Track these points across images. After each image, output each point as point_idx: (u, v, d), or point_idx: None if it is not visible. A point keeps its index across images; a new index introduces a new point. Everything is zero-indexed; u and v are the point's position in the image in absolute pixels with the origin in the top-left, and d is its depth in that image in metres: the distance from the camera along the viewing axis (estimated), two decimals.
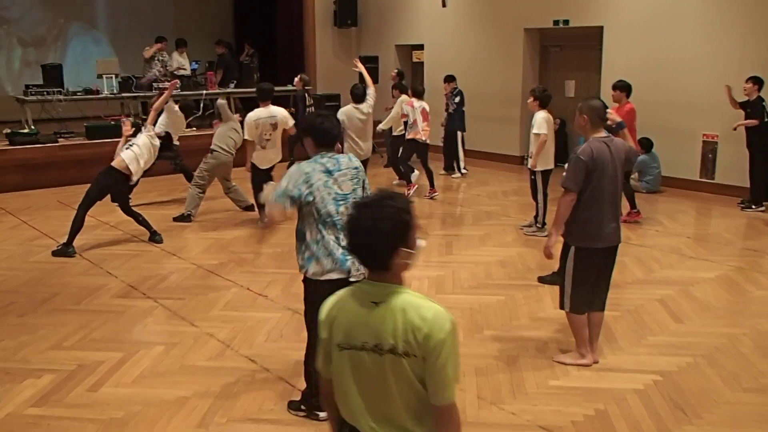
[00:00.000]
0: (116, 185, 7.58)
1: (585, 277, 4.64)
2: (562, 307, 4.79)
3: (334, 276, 3.89)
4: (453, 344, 2.16)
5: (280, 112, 8.27)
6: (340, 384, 2.29)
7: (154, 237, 7.90)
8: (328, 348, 2.31)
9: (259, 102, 8.24)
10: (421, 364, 2.15)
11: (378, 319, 2.18)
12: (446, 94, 11.82)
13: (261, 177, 8.38)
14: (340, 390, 2.29)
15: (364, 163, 8.75)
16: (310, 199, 3.84)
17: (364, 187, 4.08)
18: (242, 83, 14.07)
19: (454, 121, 11.81)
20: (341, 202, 3.90)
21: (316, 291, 4.01)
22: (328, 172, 3.90)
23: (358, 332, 2.21)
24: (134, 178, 7.67)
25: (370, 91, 8.93)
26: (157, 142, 7.94)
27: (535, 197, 8.09)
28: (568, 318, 4.80)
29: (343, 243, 3.92)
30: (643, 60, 10.67)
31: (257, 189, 8.59)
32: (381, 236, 2.16)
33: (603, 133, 4.63)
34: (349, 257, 3.88)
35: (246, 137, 8.12)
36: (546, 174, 8.00)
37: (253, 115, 8.10)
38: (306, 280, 4.03)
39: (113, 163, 7.53)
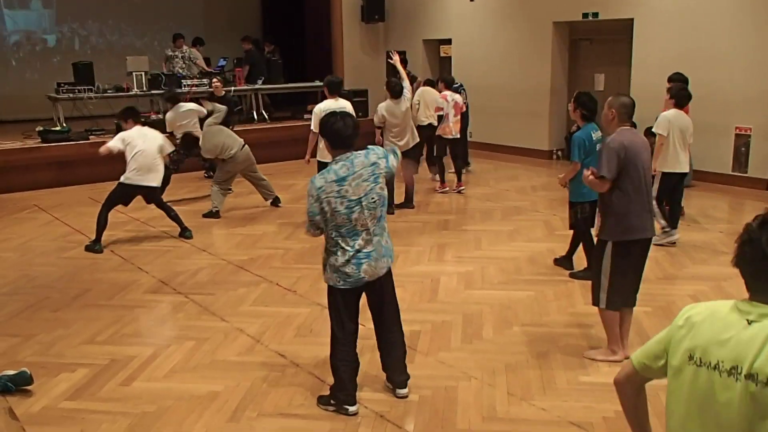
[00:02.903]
0: (138, 190, 7.62)
1: (624, 273, 4.58)
2: (596, 303, 4.70)
3: (343, 287, 4.00)
4: None
5: (348, 105, 8.07)
6: (672, 399, 2.07)
7: (185, 233, 7.96)
8: (667, 347, 2.07)
9: (327, 95, 8.15)
10: None
11: (745, 340, 1.88)
12: None
13: None
14: (670, 407, 2.08)
15: (407, 153, 8.72)
16: (325, 213, 3.88)
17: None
18: (270, 80, 14.12)
19: None
20: (355, 208, 3.88)
21: (332, 295, 4.08)
22: (341, 180, 3.85)
23: (716, 350, 1.92)
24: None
25: (405, 84, 8.76)
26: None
27: (658, 201, 7.25)
28: (602, 314, 4.74)
29: (363, 248, 3.94)
30: (674, 52, 10.51)
31: None
32: None
33: (627, 126, 4.61)
34: (359, 269, 3.93)
35: (313, 128, 7.83)
36: (670, 177, 7.26)
37: (323, 107, 7.88)
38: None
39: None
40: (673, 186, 7.36)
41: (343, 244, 3.92)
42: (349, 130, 3.94)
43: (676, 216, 7.52)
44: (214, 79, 11.47)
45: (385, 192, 4.04)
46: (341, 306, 4.08)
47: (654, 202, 7.20)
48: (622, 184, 4.48)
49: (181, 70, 13.52)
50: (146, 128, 7.76)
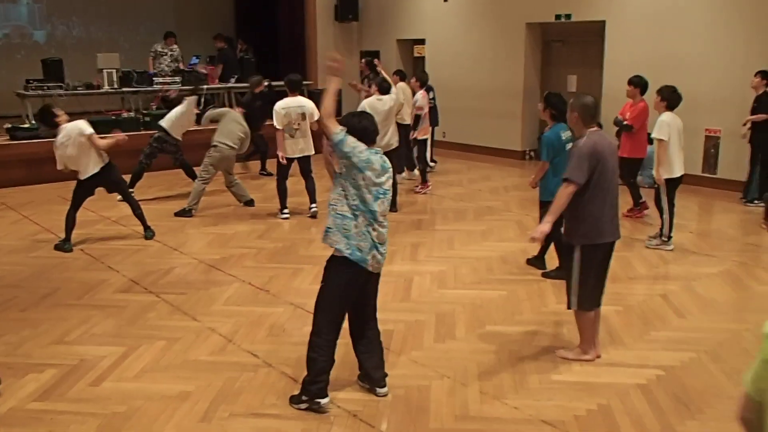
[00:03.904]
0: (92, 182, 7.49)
1: (591, 275, 4.62)
2: (569, 306, 4.74)
3: (351, 258, 3.99)
4: None
5: (308, 103, 8.37)
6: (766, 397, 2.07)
7: (146, 232, 7.87)
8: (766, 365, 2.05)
9: (288, 92, 8.42)
10: None
11: None
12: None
13: (288, 167, 8.46)
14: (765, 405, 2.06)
15: (389, 154, 8.81)
16: (361, 176, 3.92)
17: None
18: (243, 78, 14.03)
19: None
20: (381, 197, 3.99)
21: (337, 270, 4.05)
22: (382, 168, 4.00)
23: None
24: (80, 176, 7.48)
25: (394, 89, 9.05)
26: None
27: (659, 207, 7.39)
28: (577, 316, 4.77)
29: (374, 235, 3.98)
30: (646, 55, 10.64)
31: (282, 177, 8.62)
32: None
33: (594, 128, 4.63)
34: (369, 253, 3.97)
35: (277, 126, 8.26)
36: (672, 182, 7.26)
37: (282, 104, 8.29)
38: (331, 258, 4.08)
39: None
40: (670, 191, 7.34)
41: (370, 227, 3.97)
42: (374, 126, 4.12)
43: (672, 220, 7.46)
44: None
45: None
46: (344, 299, 4.08)
47: (665, 208, 7.25)
48: (595, 188, 4.49)
49: (167, 68, 13.39)
50: (68, 125, 7.41)
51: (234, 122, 9.00)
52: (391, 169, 4.11)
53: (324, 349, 4.11)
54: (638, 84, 8.26)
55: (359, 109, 8.55)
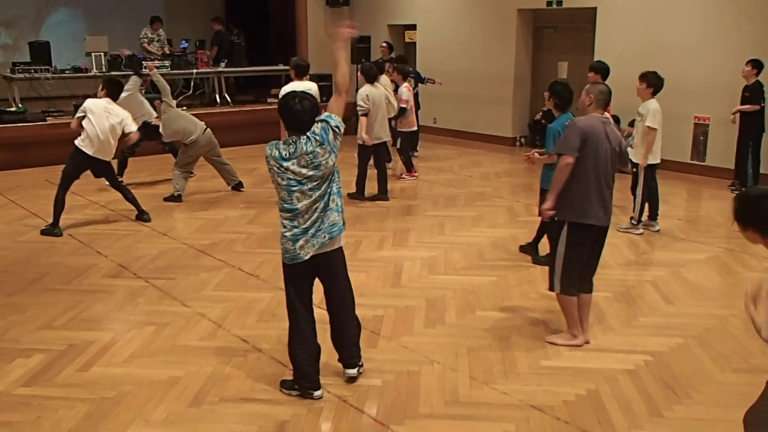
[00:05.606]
0: (88, 162, 7.40)
1: (576, 257, 4.64)
2: (551, 288, 4.78)
3: (287, 262, 4.07)
4: None
5: (315, 87, 8.20)
6: None
7: (142, 216, 7.84)
8: None
9: (294, 77, 8.15)
10: None
11: None
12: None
13: None
14: None
15: (379, 147, 8.78)
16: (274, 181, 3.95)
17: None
18: (233, 63, 13.95)
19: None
20: (296, 187, 3.87)
21: (284, 275, 4.16)
22: (282, 159, 3.84)
23: None
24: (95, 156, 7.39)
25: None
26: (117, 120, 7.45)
27: (634, 192, 7.52)
28: (559, 299, 4.80)
29: (295, 230, 3.95)
30: (637, 41, 10.63)
31: None
32: None
33: (602, 115, 4.66)
34: (295, 245, 3.97)
35: None
36: (654, 167, 7.43)
37: (289, 88, 7.94)
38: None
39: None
40: (652, 176, 7.46)
41: (286, 219, 3.97)
42: (305, 115, 3.86)
43: (657, 205, 7.61)
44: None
45: (328, 172, 3.90)
46: (292, 290, 4.10)
47: (640, 193, 7.36)
48: (582, 167, 4.52)
49: (157, 53, 13.31)
50: (113, 105, 7.50)
51: (180, 119, 8.77)
52: (307, 155, 3.80)
53: (300, 342, 4.10)
54: (600, 70, 8.15)
55: (360, 97, 8.53)
